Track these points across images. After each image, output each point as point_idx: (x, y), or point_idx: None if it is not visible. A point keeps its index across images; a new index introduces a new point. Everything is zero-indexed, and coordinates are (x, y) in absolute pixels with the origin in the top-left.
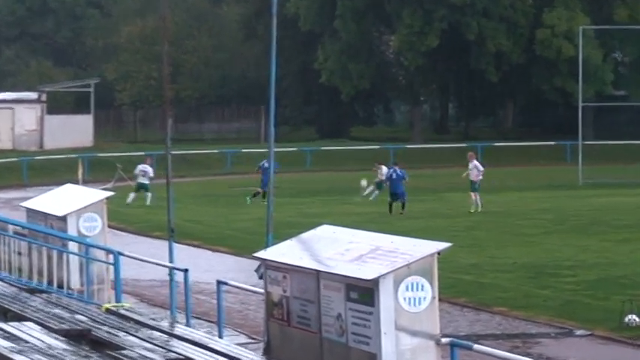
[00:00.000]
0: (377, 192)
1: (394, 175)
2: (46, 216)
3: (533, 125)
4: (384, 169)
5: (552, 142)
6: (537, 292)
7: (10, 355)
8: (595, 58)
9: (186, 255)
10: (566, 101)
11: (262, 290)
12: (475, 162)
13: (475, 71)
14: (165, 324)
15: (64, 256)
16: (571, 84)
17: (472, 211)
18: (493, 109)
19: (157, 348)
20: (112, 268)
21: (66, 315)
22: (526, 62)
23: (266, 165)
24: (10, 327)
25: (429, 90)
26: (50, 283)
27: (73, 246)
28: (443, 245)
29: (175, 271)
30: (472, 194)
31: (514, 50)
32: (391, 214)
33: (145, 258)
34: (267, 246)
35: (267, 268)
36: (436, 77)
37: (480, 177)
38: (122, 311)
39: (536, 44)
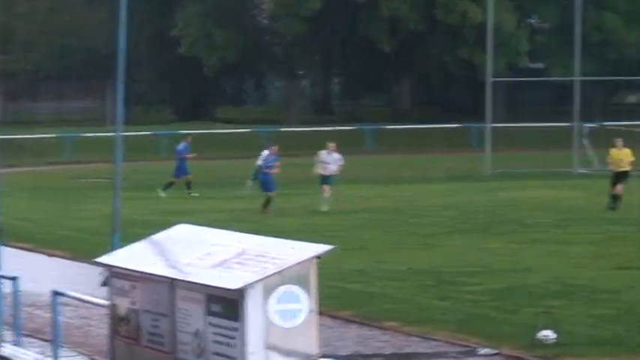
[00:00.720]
0: (251, 183)
1: (261, 162)
2: None
3: (433, 104)
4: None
5: (456, 125)
6: (435, 304)
7: None
8: (508, 24)
9: (15, 260)
10: (473, 76)
11: (107, 302)
12: (335, 155)
13: (365, 40)
14: None
15: None
16: (479, 55)
17: (324, 209)
18: (386, 85)
19: None
20: None
21: None
22: (426, 29)
23: (180, 149)
24: None
25: (310, 62)
26: None
27: None
28: (323, 248)
29: (2, 280)
30: (326, 188)
31: (411, 15)
32: (266, 210)
33: None
34: (112, 249)
35: (112, 275)
36: (318, 47)
37: (335, 172)
38: None
39: (438, 8)
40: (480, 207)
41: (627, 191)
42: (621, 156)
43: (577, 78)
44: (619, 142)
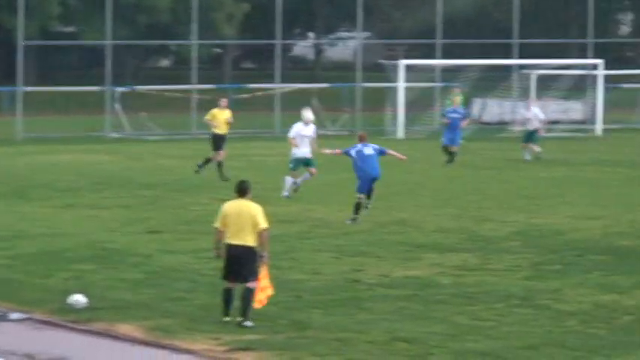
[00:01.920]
0: None
1: None
2: None
3: None
4: None
5: None
6: None
7: None
8: None
9: None
10: (5, 39)
11: None
12: None
13: None
14: None
15: None
16: (10, 19)
17: None
18: None
19: None
20: None
21: None
22: None
23: None
24: None
25: None
26: None
27: None
28: None
29: None
30: None
31: None
32: None
33: None
34: None
35: None
36: None
37: None
38: None
39: None
40: (12, 171)
41: (164, 156)
42: (223, 116)
43: (108, 42)
44: (223, 101)
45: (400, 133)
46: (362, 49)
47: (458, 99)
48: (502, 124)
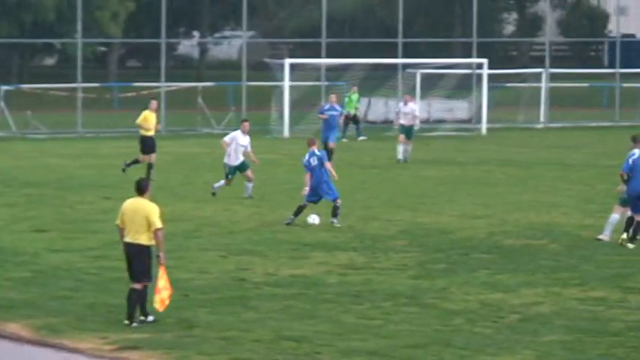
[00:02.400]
0: None
1: None
2: None
3: None
4: None
5: None
6: None
7: None
8: None
9: None
10: None
11: None
12: None
13: None
14: None
15: None
16: None
17: None
18: None
19: None
20: None
21: None
22: None
23: None
24: None
25: None
26: None
27: None
28: None
29: None
30: None
31: None
32: None
33: None
34: None
35: None
36: None
37: None
38: None
39: None
40: None
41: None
42: (153, 119)
43: None
44: (153, 104)
45: (286, 132)
46: (247, 47)
47: (334, 97)
48: (387, 123)
